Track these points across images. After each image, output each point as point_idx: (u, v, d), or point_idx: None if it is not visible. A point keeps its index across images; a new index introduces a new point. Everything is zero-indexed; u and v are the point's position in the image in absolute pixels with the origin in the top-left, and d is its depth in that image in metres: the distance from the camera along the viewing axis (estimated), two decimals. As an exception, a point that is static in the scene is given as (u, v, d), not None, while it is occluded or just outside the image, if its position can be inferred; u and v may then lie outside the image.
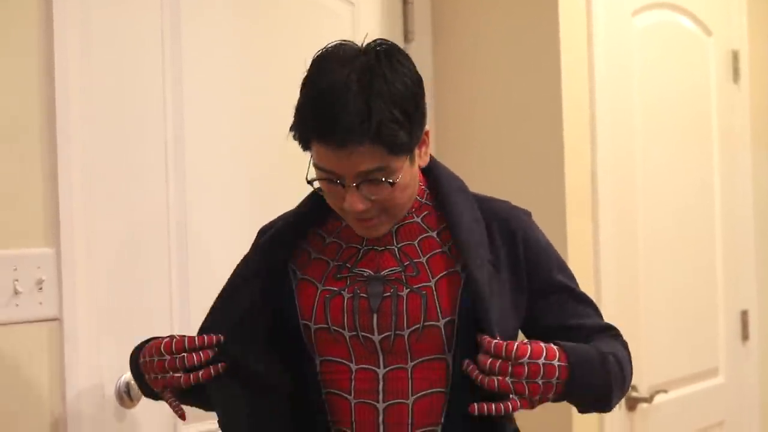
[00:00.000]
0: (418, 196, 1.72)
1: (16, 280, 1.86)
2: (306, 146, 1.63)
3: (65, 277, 1.93)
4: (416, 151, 1.66)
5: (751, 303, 3.29)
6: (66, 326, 1.92)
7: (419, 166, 1.69)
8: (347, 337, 1.69)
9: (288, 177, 2.33)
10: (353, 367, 1.69)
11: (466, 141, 2.65)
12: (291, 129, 1.64)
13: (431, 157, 1.75)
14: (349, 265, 1.72)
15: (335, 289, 1.70)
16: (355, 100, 1.55)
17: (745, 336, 3.27)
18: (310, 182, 1.65)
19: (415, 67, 1.65)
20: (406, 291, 1.67)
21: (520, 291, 1.73)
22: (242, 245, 2.26)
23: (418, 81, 1.64)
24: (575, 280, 1.82)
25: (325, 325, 1.69)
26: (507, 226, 1.74)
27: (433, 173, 1.75)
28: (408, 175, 1.64)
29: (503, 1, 2.64)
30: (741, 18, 3.29)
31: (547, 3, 2.55)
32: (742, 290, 3.26)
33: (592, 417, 2.60)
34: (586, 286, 2.61)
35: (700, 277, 3.10)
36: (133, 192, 2.08)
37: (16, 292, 1.86)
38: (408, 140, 1.60)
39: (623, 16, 2.80)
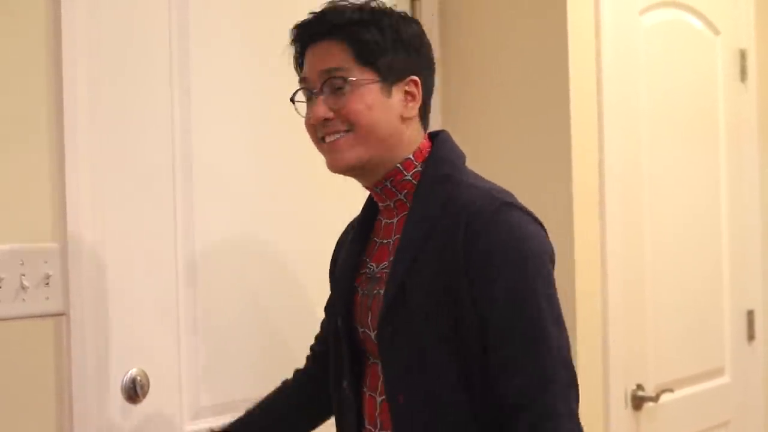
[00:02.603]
0: (415, 180, 1.68)
1: (23, 275, 1.86)
2: (300, 65, 1.71)
3: (72, 272, 1.92)
4: (396, 92, 1.66)
5: (756, 303, 3.28)
6: (72, 321, 1.92)
7: (402, 117, 1.67)
8: (360, 332, 1.73)
9: (298, 175, 2.34)
10: (371, 360, 1.73)
11: (472, 137, 2.64)
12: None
13: (441, 139, 1.74)
14: (367, 259, 1.75)
15: (356, 285, 1.75)
16: (336, 9, 1.67)
17: (750, 336, 3.26)
18: (292, 100, 1.72)
19: (420, 33, 1.73)
20: (383, 289, 1.67)
21: (444, 303, 1.58)
22: (250, 245, 2.26)
23: (418, 29, 1.71)
24: (535, 302, 1.58)
25: (352, 319, 1.75)
26: (463, 226, 1.59)
27: (430, 158, 1.71)
28: (376, 99, 1.64)
29: (512, -1, 2.65)
30: (749, 17, 3.28)
31: (556, 1, 2.54)
32: (748, 290, 3.26)
33: (598, 417, 2.59)
34: (592, 285, 2.63)
35: (706, 276, 3.10)
36: (140, 188, 2.07)
37: (23, 287, 1.86)
38: (379, 50, 1.63)
39: (631, 14, 2.79)
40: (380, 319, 1.65)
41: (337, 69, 1.64)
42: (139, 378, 2.02)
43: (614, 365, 2.63)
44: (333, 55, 1.65)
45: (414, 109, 1.68)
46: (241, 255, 2.25)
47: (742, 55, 3.25)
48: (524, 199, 1.78)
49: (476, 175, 1.73)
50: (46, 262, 1.90)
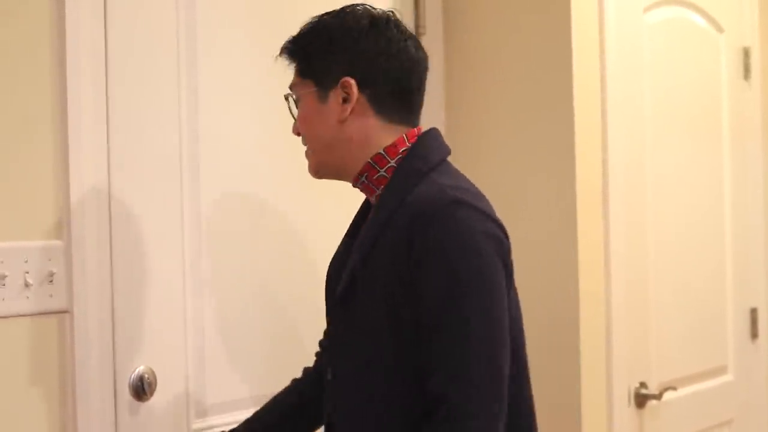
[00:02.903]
0: (389, 175, 1.70)
1: (27, 273, 1.86)
2: None
3: (76, 269, 1.92)
4: (333, 95, 1.70)
5: (760, 301, 3.28)
6: (76, 319, 1.92)
7: (340, 120, 1.70)
8: None
9: (305, 173, 2.33)
10: None
11: (476, 136, 2.64)
12: None
13: (429, 136, 1.74)
14: None
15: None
16: (298, 33, 1.75)
17: (754, 334, 3.26)
18: None
19: (387, 30, 1.72)
20: None
21: (389, 296, 1.61)
22: (258, 243, 2.26)
23: (355, 29, 1.70)
24: (463, 301, 1.57)
25: None
26: (410, 220, 1.60)
27: (408, 154, 1.71)
28: (313, 108, 1.73)
29: (515, -3, 2.64)
30: (753, 15, 3.28)
31: (560, -2, 2.55)
32: (752, 288, 3.26)
33: (601, 415, 2.59)
34: (596, 284, 2.63)
35: (709, 274, 3.09)
36: (145, 186, 2.07)
37: (27, 285, 1.86)
38: (314, 59, 1.71)
39: (635, 12, 2.79)
40: (336, 310, 1.72)
41: (291, 88, 1.77)
42: (146, 375, 2.01)
43: (617, 363, 2.63)
44: (293, 75, 1.76)
45: (347, 110, 1.70)
46: (249, 253, 2.25)
47: (746, 52, 3.25)
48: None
49: (454, 173, 1.71)
50: (50, 260, 1.90)
